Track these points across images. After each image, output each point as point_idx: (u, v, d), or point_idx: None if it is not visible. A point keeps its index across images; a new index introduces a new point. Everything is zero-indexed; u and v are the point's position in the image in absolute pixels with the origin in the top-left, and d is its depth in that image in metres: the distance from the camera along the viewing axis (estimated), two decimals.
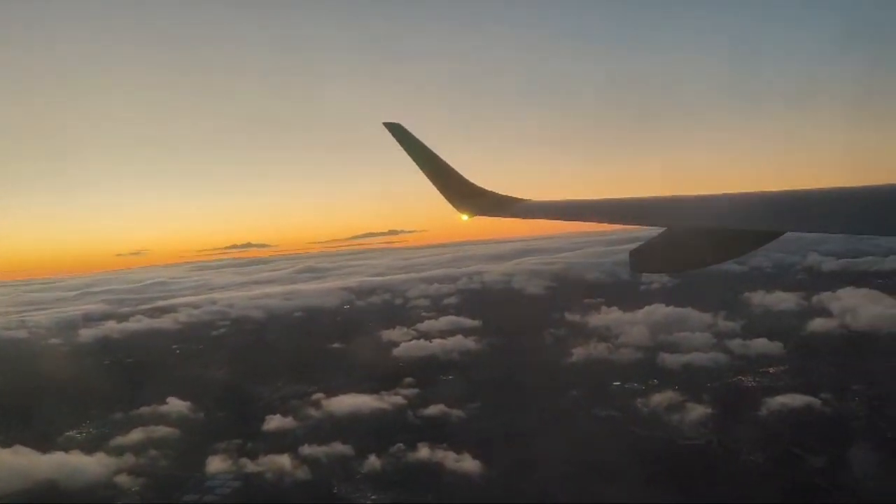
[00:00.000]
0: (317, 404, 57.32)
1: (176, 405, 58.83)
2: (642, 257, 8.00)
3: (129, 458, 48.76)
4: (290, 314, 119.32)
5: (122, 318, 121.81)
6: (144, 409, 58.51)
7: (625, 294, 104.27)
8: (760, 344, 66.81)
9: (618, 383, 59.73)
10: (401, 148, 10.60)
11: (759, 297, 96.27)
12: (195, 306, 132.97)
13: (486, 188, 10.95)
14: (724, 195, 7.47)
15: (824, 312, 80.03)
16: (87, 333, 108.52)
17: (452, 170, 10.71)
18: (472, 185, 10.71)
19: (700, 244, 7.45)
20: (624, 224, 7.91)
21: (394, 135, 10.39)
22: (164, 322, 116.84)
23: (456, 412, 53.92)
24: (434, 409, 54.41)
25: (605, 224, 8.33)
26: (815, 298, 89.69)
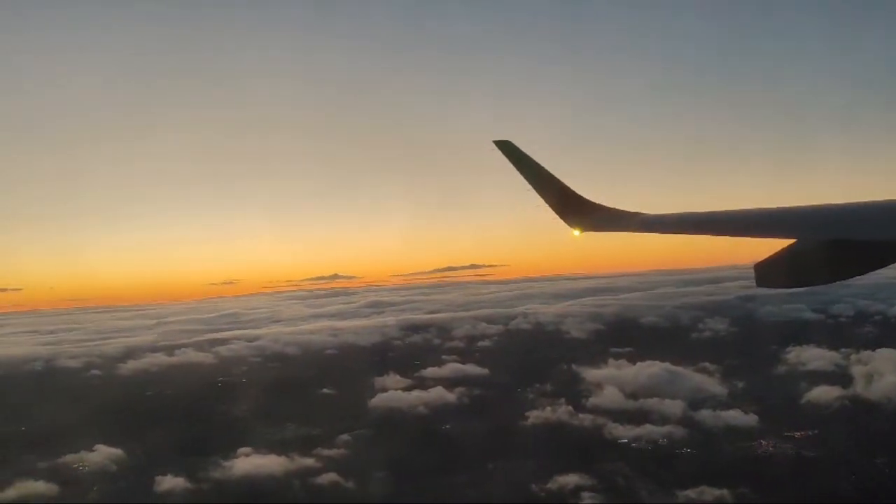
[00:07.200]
0: (219, 465, 55.80)
1: (99, 454, 59.30)
2: (766, 271, 7.86)
3: None
4: (321, 352, 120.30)
5: (170, 350, 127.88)
6: (70, 457, 59.53)
7: (661, 343, 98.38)
8: (731, 416, 58.83)
9: (536, 458, 54.14)
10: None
11: (796, 354, 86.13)
12: (247, 339, 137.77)
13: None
14: (855, 204, 7.27)
15: (841, 377, 69.62)
16: (129, 366, 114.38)
17: (564, 185, 10.43)
18: (584, 199, 10.46)
19: (829, 257, 7.15)
20: (750, 236, 7.59)
21: (504, 153, 10.08)
22: (205, 357, 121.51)
23: (347, 485, 50.95)
24: (325, 479, 51.69)
25: (730, 236, 7.95)
26: (853, 358, 78.85)
